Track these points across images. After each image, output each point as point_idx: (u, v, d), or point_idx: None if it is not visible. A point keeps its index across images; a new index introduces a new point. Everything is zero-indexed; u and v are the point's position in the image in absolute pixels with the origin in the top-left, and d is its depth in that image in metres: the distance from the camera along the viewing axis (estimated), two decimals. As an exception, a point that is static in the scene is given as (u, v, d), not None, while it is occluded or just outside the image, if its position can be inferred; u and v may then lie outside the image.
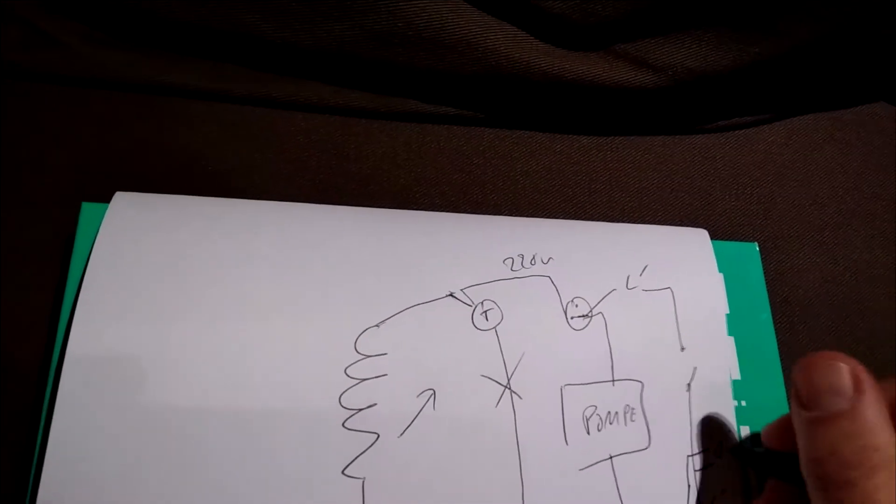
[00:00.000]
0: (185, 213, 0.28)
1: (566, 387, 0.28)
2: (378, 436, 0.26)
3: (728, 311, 0.31)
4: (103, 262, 0.26)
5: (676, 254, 0.31)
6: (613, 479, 0.27)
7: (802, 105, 0.38)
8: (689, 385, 0.29)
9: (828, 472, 0.21)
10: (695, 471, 0.28)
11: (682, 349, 0.29)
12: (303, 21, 0.31)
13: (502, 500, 0.26)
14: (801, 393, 0.23)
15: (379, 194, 0.33)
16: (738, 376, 0.30)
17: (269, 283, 0.27)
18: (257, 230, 0.28)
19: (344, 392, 0.26)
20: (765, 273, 0.33)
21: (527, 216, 0.33)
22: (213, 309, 0.26)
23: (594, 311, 0.29)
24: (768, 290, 0.32)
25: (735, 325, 0.31)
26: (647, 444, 0.28)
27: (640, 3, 0.31)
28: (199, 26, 0.31)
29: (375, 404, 0.26)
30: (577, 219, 0.33)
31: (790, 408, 0.23)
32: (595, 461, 0.27)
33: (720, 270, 0.31)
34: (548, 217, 0.33)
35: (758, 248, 0.33)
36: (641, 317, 0.29)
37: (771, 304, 0.32)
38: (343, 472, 0.25)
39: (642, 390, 0.28)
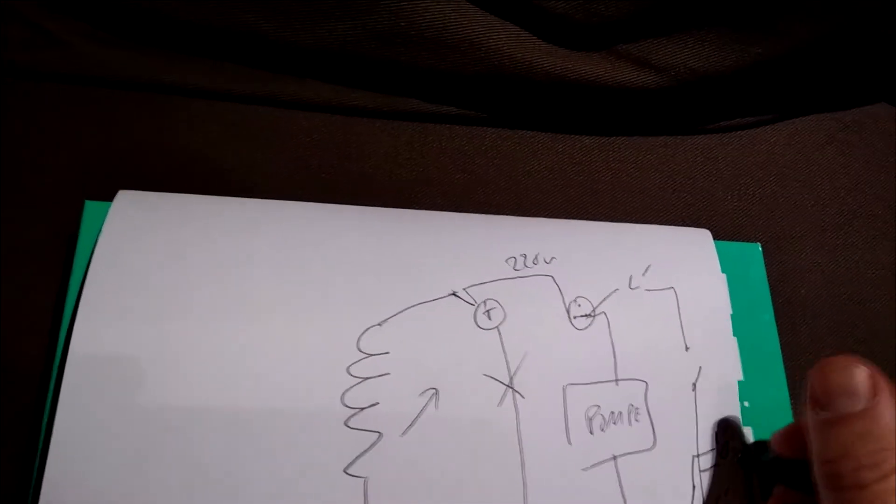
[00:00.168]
0: (187, 212, 0.28)
1: (569, 386, 0.28)
2: (380, 435, 0.25)
3: (731, 312, 0.31)
4: (106, 261, 0.26)
5: (679, 254, 0.31)
6: (617, 479, 0.27)
7: (804, 106, 0.38)
8: (694, 385, 0.29)
9: (840, 473, 0.21)
10: (700, 471, 0.28)
11: (687, 349, 0.29)
12: (304, 20, 0.31)
13: (504, 499, 0.26)
14: (817, 394, 0.22)
15: (381, 194, 0.33)
16: (741, 377, 0.30)
17: (271, 282, 0.27)
18: (260, 229, 0.28)
19: (346, 391, 0.26)
20: (767, 273, 0.33)
21: (529, 216, 0.33)
22: (216, 307, 0.26)
23: (597, 311, 0.29)
24: (770, 291, 0.32)
25: (737, 325, 0.31)
26: (651, 445, 0.28)
27: (643, 4, 0.31)
28: (200, 25, 0.31)
29: (378, 403, 0.26)
30: (580, 219, 0.33)
31: (804, 410, 0.23)
32: (598, 461, 0.27)
33: (723, 271, 0.31)
34: (550, 217, 0.33)
35: (760, 249, 0.33)
36: (644, 317, 0.29)
37: (773, 305, 0.32)
38: (345, 472, 0.25)
39: (647, 390, 0.28)
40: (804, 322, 0.34)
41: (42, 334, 0.27)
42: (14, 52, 0.32)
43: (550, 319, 0.28)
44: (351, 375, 0.26)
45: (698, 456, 0.28)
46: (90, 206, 0.28)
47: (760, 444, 0.28)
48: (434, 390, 0.26)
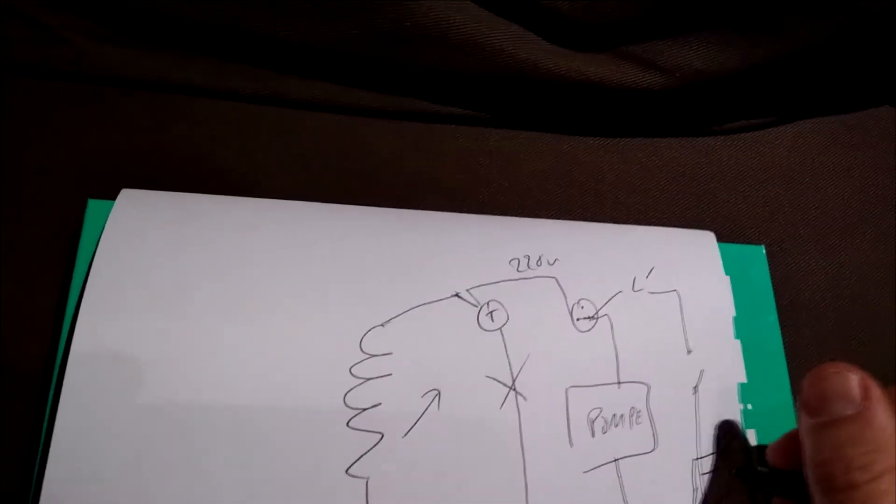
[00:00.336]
0: (191, 211, 0.28)
1: (571, 388, 0.28)
2: (382, 435, 0.25)
3: (735, 314, 0.30)
4: (109, 259, 0.26)
5: (683, 256, 0.31)
6: (618, 481, 0.27)
7: (809, 108, 0.38)
8: (695, 388, 0.29)
9: (833, 475, 0.21)
10: (700, 474, 0.28)
11: (689, 352, 0.29)
12: (309, 20, 0.31)
13: (506, 501, 0.26)
14: (810, 400, 0.23)
15: (385, 194, 0.33)
16: (744, 379, 0.30)
17: (275, 282, 0.27)
18: (264, 229, 0.28)
19: (349, 391, 0.26)
20: (771, 276, 0.32)
21: (533, 217, 0.33)
22: (219, 307, 0.26)
23: (600, 313, 0.29)
24: (774, 293, 0.32)
25: (741, 327, 0.30)
26: (652, 447, 0.28)
27: (648, 5, 0.31)
28: (204, 24, 0.31)
29: (380, 404, 0.26)
30: (584, 220, 0.33)
31: (797, 417, 0.24)
32: (600, 463, 0.27)
33: (726, 273, 0.31)
34: (554, 218, 0.33)
35: (764, 251, 0.33)
36: (647, 319, 0.29)
37: (776, 307, 0.32)
38: (347, 472, 0.25)
39: (648, 393, 0.28)
40: (808, 324, 0.33)
41: (44, 333, 0.27)
42: (17, 49, 0.32)
43: (553, 321, 0.28)
44: (353, 376, 0.26)
45: (698, 459, 0.28)
46: (93, 205, 0.28)
47: (760, 455, 0.28)
48: (436, 391, 0.26)
